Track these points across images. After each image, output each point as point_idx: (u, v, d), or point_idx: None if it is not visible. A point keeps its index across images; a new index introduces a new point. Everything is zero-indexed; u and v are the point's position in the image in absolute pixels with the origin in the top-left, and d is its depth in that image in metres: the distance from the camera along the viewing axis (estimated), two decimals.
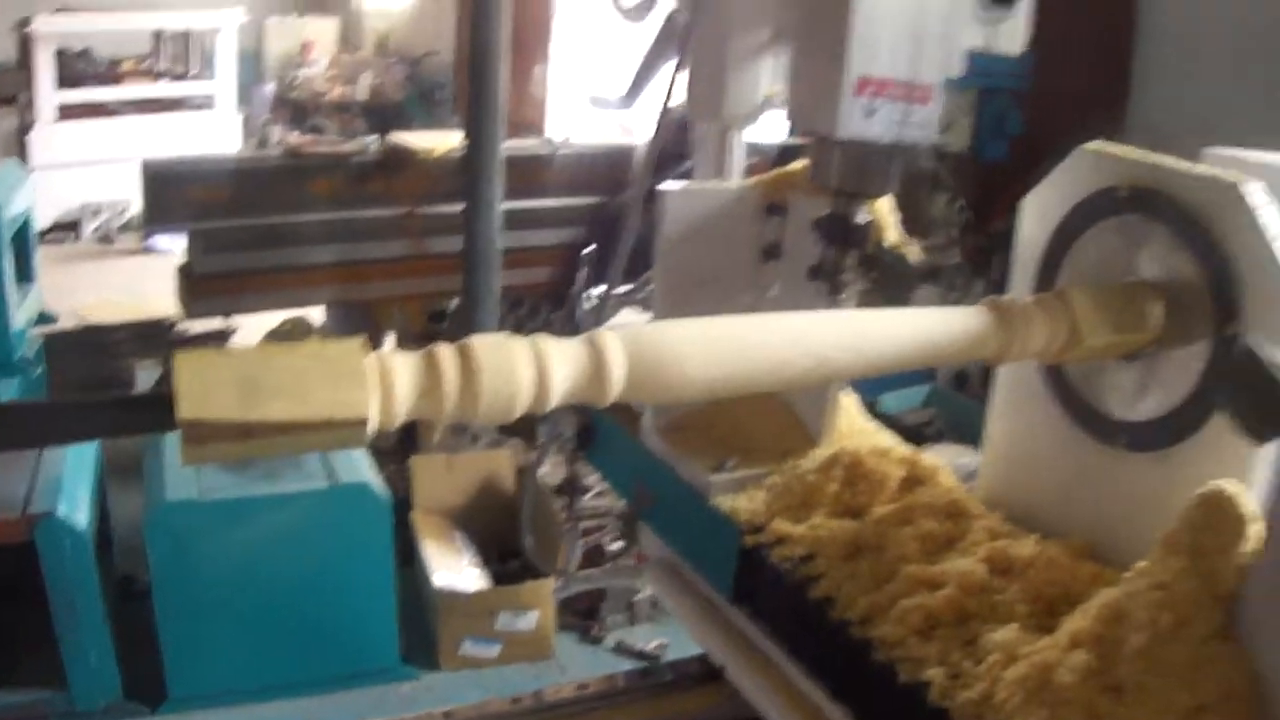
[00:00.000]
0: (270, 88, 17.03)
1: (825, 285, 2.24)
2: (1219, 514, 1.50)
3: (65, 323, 7.14)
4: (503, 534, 5.52)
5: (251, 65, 16.79)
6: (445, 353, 1.32)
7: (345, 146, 7.39)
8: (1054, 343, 1.78)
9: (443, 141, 7.22)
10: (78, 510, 4.03)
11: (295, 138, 9.71)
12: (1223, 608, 1.46)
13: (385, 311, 7.45)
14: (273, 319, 7.46)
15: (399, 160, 7.19)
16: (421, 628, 5.15)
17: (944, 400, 3.92)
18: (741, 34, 2.35)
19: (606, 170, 7.22)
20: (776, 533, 2.09)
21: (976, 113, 7.46)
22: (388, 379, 1.26)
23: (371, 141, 7.33)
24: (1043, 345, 1.79)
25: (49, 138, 12.30)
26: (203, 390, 1.14)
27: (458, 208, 6.26)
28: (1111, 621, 1.56)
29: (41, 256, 6.37)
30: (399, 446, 6.61)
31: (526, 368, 1.36)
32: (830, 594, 1.94)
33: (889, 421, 5.38)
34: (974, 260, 4.10)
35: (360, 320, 7.43)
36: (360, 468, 4.53)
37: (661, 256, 2.45)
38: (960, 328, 1.77)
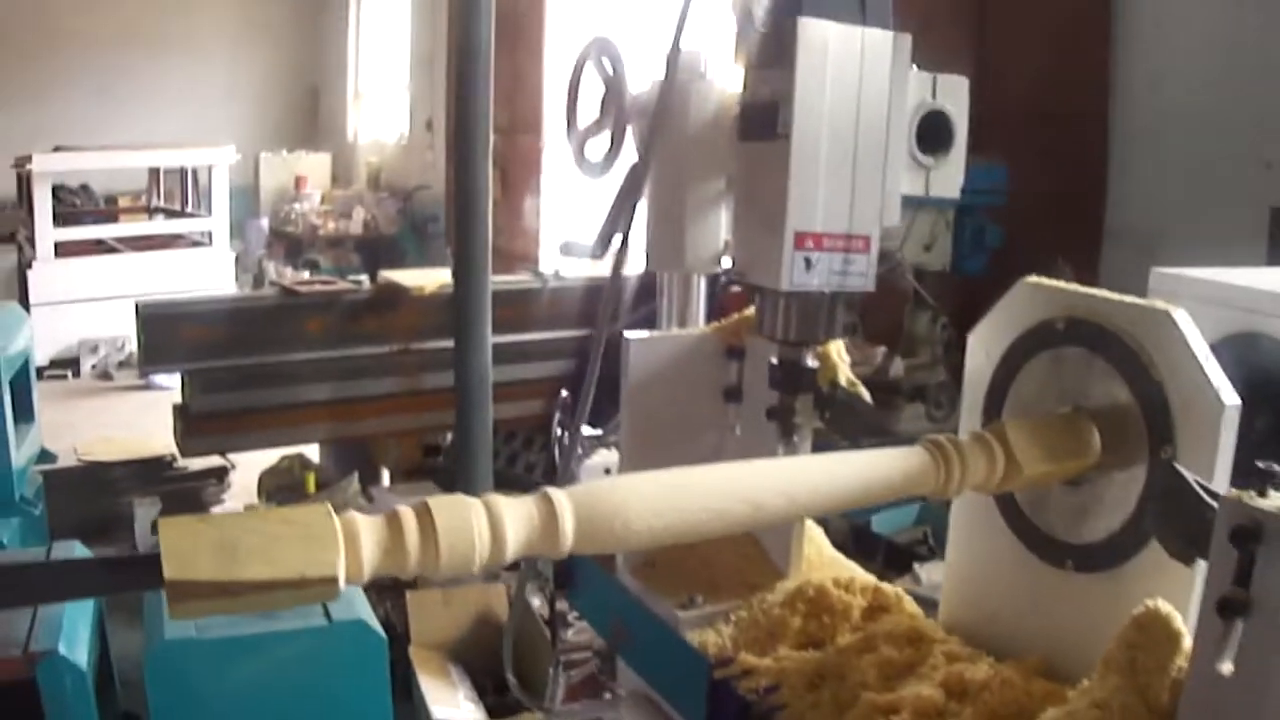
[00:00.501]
0: (264, 222, 17.17)
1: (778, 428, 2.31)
2: (1153, 633, 1.56)
3: (64, 461, 7.22)
4: (499, 667, 5.56)
5: (246, 200, 16.97)
6: (406, 514, 1.44)
7: (338, 285, 7.51)
8: (993, 476, 1.86)
9: (433, 278, 7.33)
10: (78, 648, 4.06)
11: (290, 275, 9.85)
12: None
13: (381, 447, 7.54)
14: (270, 456, 7.56)
15: (391, 298, 7.31)
16: None
17: (935, 517, 3.99)
18: (697, 184, 2.40)
19: (597, 303, 7.27)
20: (743, 665, 2.13)
21: (955, 229, 7.64)
22: (354, 540, 1.38)
23: (363, 280, 7.46)
24: (982, 479, 1.86)
25: (48, 275, 12.46)
26: (185, 553, 1.26)
27: (450, 343, 6.34)
28: None
29: (41, 393, 6.48)
30: (396, 582, 6.69)
31: (482, 526, 1.47)
32: None
33: (881, 542, 5.44)
34: (959, 377, 4.23)
35: (356, 456, 7.52)
36: (356, 605, 4.59)
37: (628, 401, 2.51)
38: (900, 468, 1.84)
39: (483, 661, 5.61)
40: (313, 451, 7.66)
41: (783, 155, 2.04)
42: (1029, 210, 7.59)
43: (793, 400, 2.29)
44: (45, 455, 6.50)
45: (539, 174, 11.74)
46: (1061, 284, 2.01)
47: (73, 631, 4.12)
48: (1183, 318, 1.78)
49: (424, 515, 1.45)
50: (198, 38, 19.55)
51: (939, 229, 7.49)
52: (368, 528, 1.41)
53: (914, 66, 2.24)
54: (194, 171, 14.54)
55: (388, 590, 6.43)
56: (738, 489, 1.75)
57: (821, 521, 2.52)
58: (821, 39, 2.03)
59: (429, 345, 7.24)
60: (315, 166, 18.71)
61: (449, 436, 7.19)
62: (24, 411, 5.95)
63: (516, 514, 1.52)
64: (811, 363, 2.28)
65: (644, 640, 2.46)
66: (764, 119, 2.12)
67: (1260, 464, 1.46)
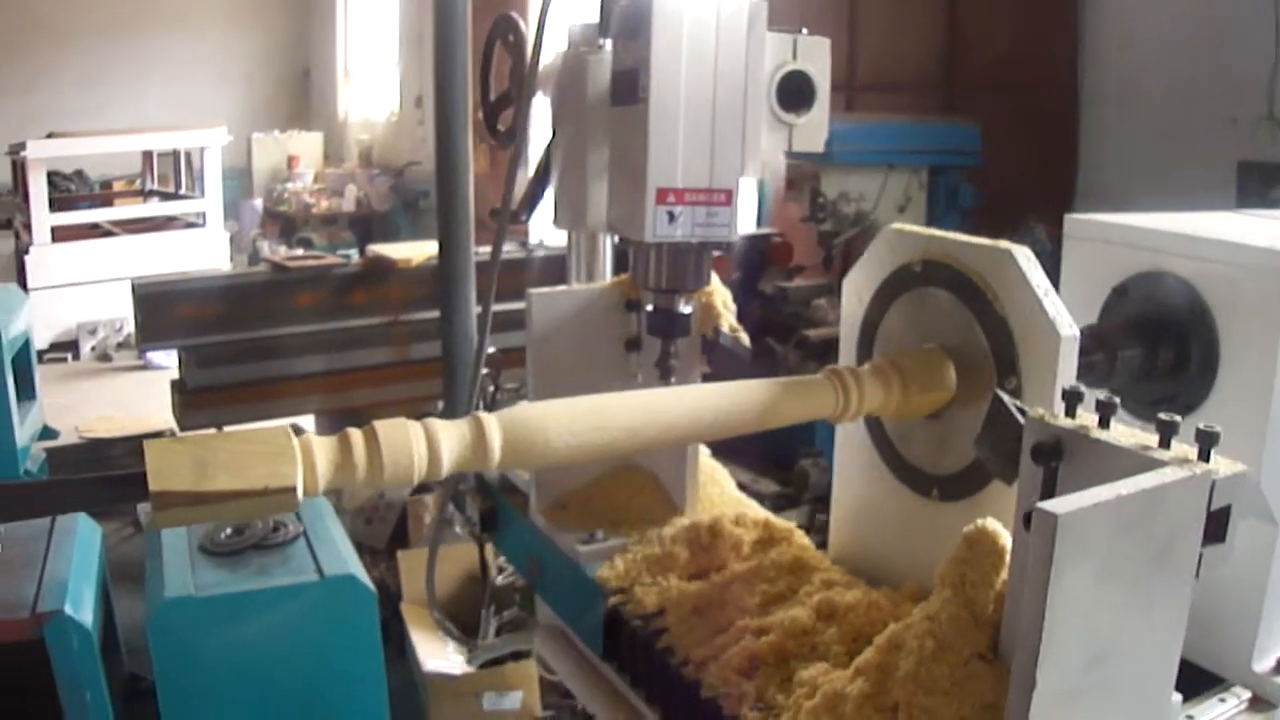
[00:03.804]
0: (258, 202, 17.20)
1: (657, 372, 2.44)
2: (979, 549, 1.63)
3: (66, 438, 7.35)
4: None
5: (239, 181, 17.00)
6: (355, 434, 1.64)
7: (327, 260, 7.65)
8: (889, 403, 2.01)
9: (420, 251, 7.47)
10: (84, 609, 4.18)
11: (283, 252, 9.96)
12: (985, 632, 1.60)
13: (374, 416, 7.69)
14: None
15: (379, 271, 7.46)
16: (415, 718, 5.36)
17: None
18: (596, 149, 2.46)
19: None
20: (635, 594, 2.29)
21: (929, 190, 7.78)
22: (310, 456, 1.57)
23: (352, 254, 7.59)
24: (879, 405, 2.01)
25: (45, 259, 12.57)
26: (165, 469, 1.47)
27: (437, 314, 6.47)
28: (889, 650, 1.72)
29: (41, 375, 6.52)
30: (390, 545, 6.88)
31: (420, 444, 1.67)
32: (673, 643, 2.13)
33: None
34: None
35: (349, 426, 7.67)
36: (347, 561, 4.68)
37: (532, 353, 2.64)
38: (801, 394, 2.00)
39: (473, 616, 5.78)
40: (308, 422, 7.79)
41: (644, 118, 2.15)
42: (1003, 171, 7.74)
43: (669, 345, 2.42)
44: (47, 432, 6.58)
45: (527, 145, 11.84)
46: (919, 229, 2.14)
47: (78, 593, 4.24)
48: (1024, 255, 1.90)
49: (370, 435, 1.65)
50: (188, 20, 19.62)
51: (913, 189, 7.64)
52: (322, 446, 1.61)
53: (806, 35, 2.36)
54: (187, 154, 14.62)
55: (380, 553, 6.63)
56: (649, 412, 1.92)
57: None
58: (676, 9, 2.13)
59: (417, 316, 7.41)
60: (307, 146, 18.79)
61: (439, 405, 7.33)
62: (26, 389, 6.05)
63: (451, 434, 1.72)
64: (685, 309, 2.40)
65: (553, 575, 2.63)
66: (628, 85, 2.23)
67: (1096, 393, 1.60)
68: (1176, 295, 2.13)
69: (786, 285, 7.51)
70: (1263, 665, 2.06)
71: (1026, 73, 8.15)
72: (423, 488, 6.47)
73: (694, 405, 1.96)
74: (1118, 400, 1.55)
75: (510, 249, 7.75)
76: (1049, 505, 1.33)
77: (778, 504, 5.99)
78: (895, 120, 7.82)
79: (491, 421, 1.75)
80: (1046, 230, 5.81)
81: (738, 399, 1.98)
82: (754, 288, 7.58)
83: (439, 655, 5.44)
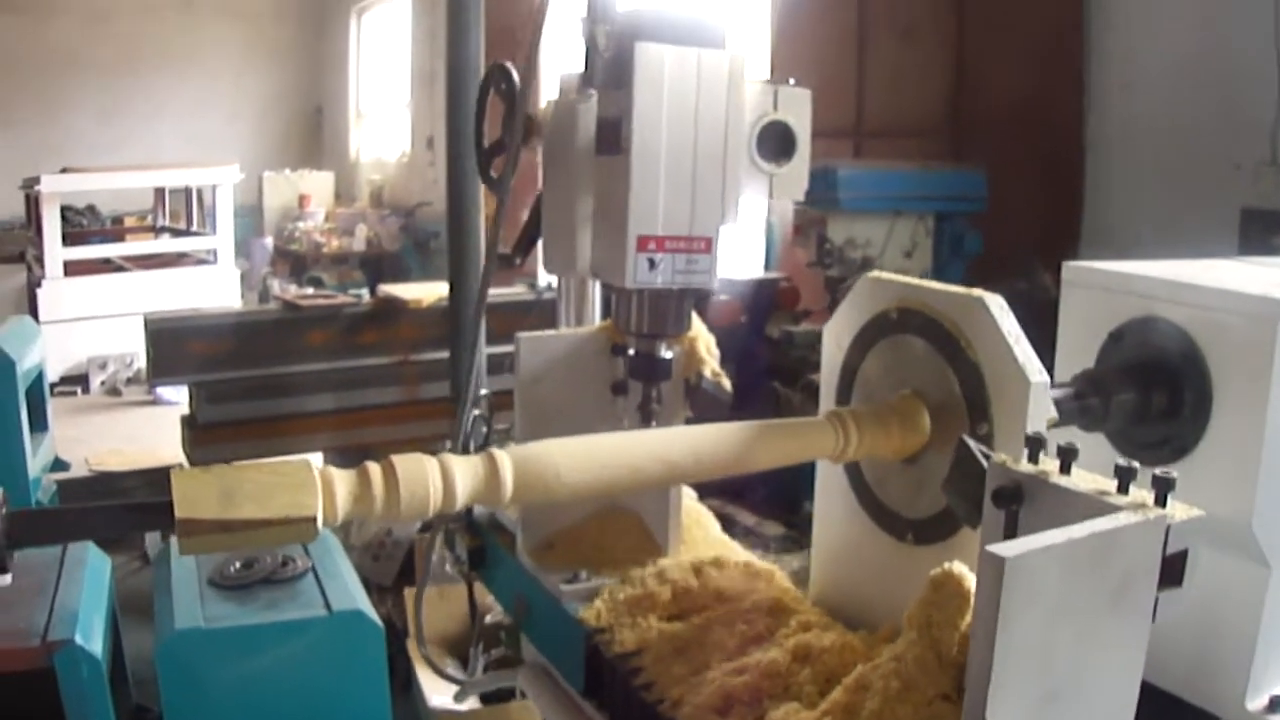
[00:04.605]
0: (269, 241, 17.22)
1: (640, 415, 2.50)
2: (945, 591, 1.68)
3: (77, 471, 7.39)
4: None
5: (250, 219, 17.03)
6: (373, 467, 1.72)
7: (338, 299, 7.71)
8: (892, 443, 2.08)
9: (431, 291, 7.52)
10: (94, 639, 4.18)
11: (293, 291, 10.01)
12: (949, 673, 1.64)
13: (382, 455, 7.71)
14: None
15: (390, 311, 7.51)
16: None
17: None
18: (585, 196, 2.52)
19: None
20: (616, 633, 2.32)
21: (935, 236, 7.81)
22: (330, 488, 1.65)
23: (363, 293, 7.64)
24: (885, 446, 2.08)
25: (57, 294, 12.55)
26: (192, 497, 1.53)
27: (446, 354, 6.56)
28: (856, 690, 1.78)
29: (52, 409, 6.60)
30: (397, 582, 6.91)
31: (436, 478, 1.75)
32: (652, 681, 2.18)
33: None
34: None
35: (358, 464, 7.70)
36: (355, 597, 4.70)
37: (520, 395, 2.69)
38: (801, 435, 2.08)
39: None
40: (316, 460, 7.81)
41: (625, 167, 2.22)
42: (1009, 216, 7.79)
43: (651, 389, 2.49)
44: (59, 464, 6.64)
45: (538, 188, 11.87)
46: (896, 277, 2.20)
47: (88, 623, 4.26)
48: (995, 303, 1.96)
49: (388, 468, 1.73)
50: (202, 60, 19.78)
51: (919, 236, 7.69)
52: (341, 479, 1.69)
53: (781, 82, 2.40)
54: (199, 191, 14.63)
55: (388, 590, 6.66)
56: (653, 450, 1.99)
57: None
58: (658, 61, 2.20)
59: (427, 356, 7.45)
60: (318, 185, 18.87)
61: (448, 444, 7.34)
62: (38, 421, 6.12)
63: (465, 469, 1.79)
64: (666, 354, 2.47)
65: (537, 613, 2.67)
66: (611, 134, 2.30)
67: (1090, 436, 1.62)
68: (1170, 340, 2.16)
69: (793, 329, 7.55)
70: (1256, 704, 2.09)
71: (1034, 118, 8.19)
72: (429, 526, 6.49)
73: (696, 444, 2.03)
74: (1078, 447, 1.57)
75: (519, 291, 7.81)
76: (996, 548, 1.37)
77: (783, 546, 6.02)
78: (901, 167, 7.86)
79: (504, 457, 1.82)
80: (1051, 276, 5.85)
81: (739, 439, 2.04)
82: (761, 331, 7.62)
83: (444, 692, 5.46)
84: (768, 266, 8.80)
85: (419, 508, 1.73)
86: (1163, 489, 1.50)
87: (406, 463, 1.74)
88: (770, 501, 6.71)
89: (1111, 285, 2.32)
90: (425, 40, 16.31)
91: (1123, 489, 1.51)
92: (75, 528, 1.73)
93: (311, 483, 1.63)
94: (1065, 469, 1.57)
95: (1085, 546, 1.41)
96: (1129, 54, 7.69)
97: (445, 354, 6.65)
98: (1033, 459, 1.60)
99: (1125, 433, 2.22)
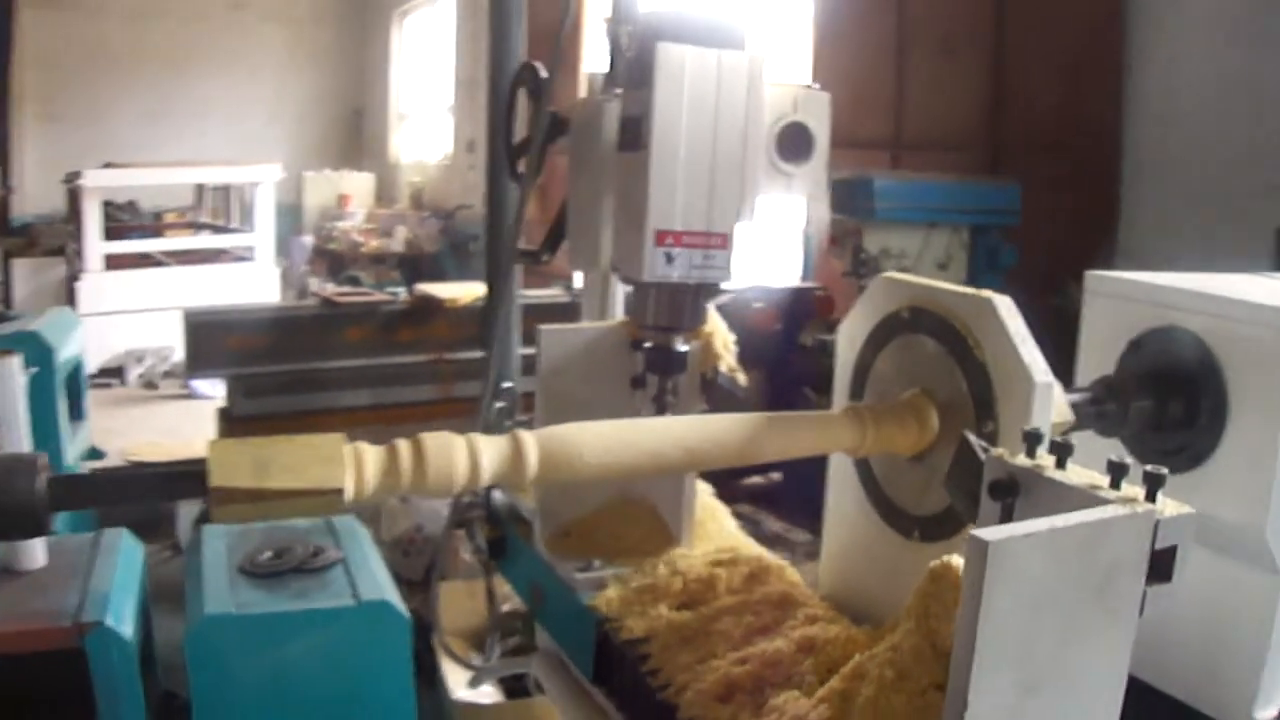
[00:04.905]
0: (308, 239, 17.27)
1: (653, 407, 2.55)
2: (943, 583, 1.67)
3: (112, 461, 7.44)
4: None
5: (290, 217, 17.09)
6: (402, 443, 1.78)
7: (375, 296, 7.76)
8: (907, 438, 2.12)
9: (467, 291, 7.59)
10: (125, 622, 4.23)
11: (331, 289, 10.05)
12: (943, 663, 1.60)
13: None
14: None
15: (426, 309, 7.57)
16: None
17: None
18: (608, 194, 2.58)
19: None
20: (625, 621, 2.37)
21: (970, 249, 7.80)
22: (360, 461, 1.71)
23: (400, 292, 7.69)
24: (899, 441, 2.12)
25: (96, 287, 12.68)
26: (227, 467, 1.59)
27: (481, 354, 6.56)
28: (853, 679, 1.81)
29: (89, 400, 6.66)
30: (426, 577, 6.93)
31: (462, 456, 1.81)
32: (657, 668, 2.22)
33: None
34: None
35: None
36: (384, 588, 4.73)
37: (541, 387, 2.72)
38: (820, 428, 2.13)
39: (507, 648, 5.83)
40: None
41: (645, 163, 2.28)
42: (1045, 230, 7.79)
43: (666, 381, 2.54)
44: (95, 453, 6.69)
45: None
46: (909, 278, 2.25)
47: (120, 606, 4.31)
48: (1004, 304, 2.00)
49: (416, 445, 1.79)
50: (246, 61, 19.91)
51: (954, 248, 7.70)
52: (371, 453, 1.75)
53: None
54: (239, 189, 14.79)
55: (417, 585, 6.70)
56: (674, 436, 2.04)
57: None
58: (679, 61, 2.26)
59: (462, 355, 7.50)
60: (359, 185, 18.97)
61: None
62: (76, 409, 6.18)
63: (491, 448, 1.85)
64: (682, 347, 2.51)
65: (551, 601, 2.72)
66: (633, 132, 2.36)
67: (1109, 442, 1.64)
68: (1187, 349, 2.19)
69: (826, 338, 7.57)
70: (1265, 713, 2.12)
71: (1071, 134, 8.18)
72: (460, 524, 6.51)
73: (717, 432, 2.07)
74: (1073, 443, 1.60)
75: (554, 294, 7.84)
76: (981, 532, 1.39)
77: (811, 552, 6.03)
78: (938, 179, 7.87)
79: (529, 437, 1.87)
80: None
81: (759, 429, 2.08)
82: (795, 340, 7.65)
83: (470, 686, 5.50)
84: (805, 276, 8.83)
85: (445, 484, 1.78)
86: (1153, 485, 1.52)
87: (434, 440, 1.80)
88: (800, 509, 6.74)
89: (1132, 295, 2.36)
90: (468, 44, 16.38)
91: (1115, 484, 1.54)
92: (112, 492, 1.79)
93: (341, 456, 1.68)
94: (1061, 464, 1.60)
95: (1072, 536, 1.44)
96: (1167, 72, 7.67)
97: (480, 353, 6.67)
98: (1029, 454, 1.63)
99: (1142, 439, 2.25)
